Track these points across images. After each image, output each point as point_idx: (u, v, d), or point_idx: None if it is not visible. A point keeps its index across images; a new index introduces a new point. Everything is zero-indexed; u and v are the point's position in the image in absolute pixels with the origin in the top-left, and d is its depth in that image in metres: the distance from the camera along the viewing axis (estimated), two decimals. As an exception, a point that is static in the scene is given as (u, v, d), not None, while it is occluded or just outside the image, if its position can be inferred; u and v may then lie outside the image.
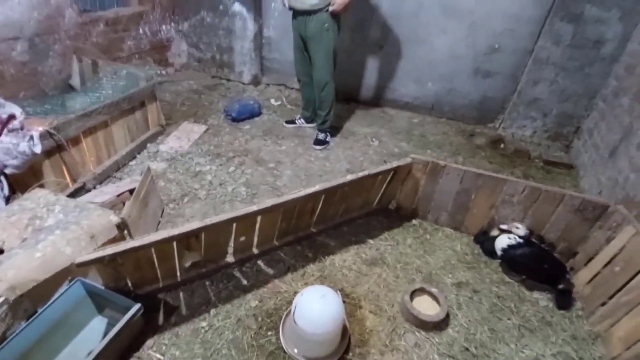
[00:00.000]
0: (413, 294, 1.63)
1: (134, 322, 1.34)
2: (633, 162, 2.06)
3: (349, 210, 2.04)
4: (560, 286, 1.70)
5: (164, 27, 3.81)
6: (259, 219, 1.60)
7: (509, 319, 1.60)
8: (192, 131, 2.88)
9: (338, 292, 1.61)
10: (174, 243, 1.41)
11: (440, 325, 1.54)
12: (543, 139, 3.16)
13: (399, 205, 2.19)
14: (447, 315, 1.57)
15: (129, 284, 1.47)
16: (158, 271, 1.50)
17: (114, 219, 1.54)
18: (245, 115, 3.11)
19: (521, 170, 2.77)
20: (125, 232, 1.60)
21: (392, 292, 1.69)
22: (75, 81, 2.62)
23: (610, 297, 1.57)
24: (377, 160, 2.72)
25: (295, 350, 1.37)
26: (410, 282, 1.73)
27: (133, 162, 2.49)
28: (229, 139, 2.83)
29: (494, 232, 1.90)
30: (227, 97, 3.52)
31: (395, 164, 1.93)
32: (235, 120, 3.06)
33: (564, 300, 1.69)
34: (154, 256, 1.41)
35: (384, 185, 2.03)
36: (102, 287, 1.41)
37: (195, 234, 1.42)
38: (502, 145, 3.10)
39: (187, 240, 1.43)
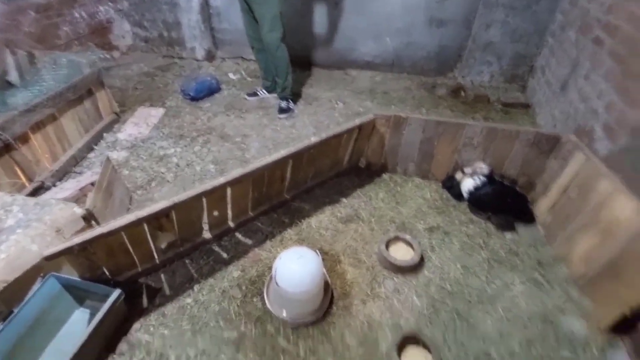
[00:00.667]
0: (388, 243, 1.71)
1: (116, 308, 1.34)
2: (582, 93, 2.17)
3: (319, 172, 2.05)
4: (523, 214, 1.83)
5: (101, 7, 3.51)
6: (228, 191, 1.59)
7: (478, 255, 1.71)
8: (149, 115, 2.75)
9: (317, 251, 1.66)
10: (145, 225, 1.38)
11: (416, 268, 1.62)
12: (500, 82, 3.25)
13: (369, 161, 2.23)
14: (422, 259, 1.66)
15: (106, 272, 1.45)
16: (134, 256, 1.48)
17: (78, 210, 1.48)
18: (204, 92, 2.99)
19: (482, 115, 2.86)
20: (93, 223, 1.55)
21: (368, 245, 1.75)
22: (13, 76, 2.42)
23: (569, 222, 1.70)
24: (343, 122, 2.72)
25: (282, 312, 1.42)
26: (385, 232, 1.80)
27: (92, 155, 2.38)
28: (191, 119, 2.73)
29: (459, 176, 1.99)
30: (183, 77, 3.36)
31: (358, 121, 1.94)
32: (194, 99, 2.94)
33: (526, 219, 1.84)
34: (127, 241, 1.38)
35: (351, 144, 2.05)
36: (78, 279, 1.38)
37: (164, 213, 1.40)
38: (462, 94, 3.17)
39: (157, 221, 1.41)
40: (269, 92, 3.01)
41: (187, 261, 1.66)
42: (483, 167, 1.93)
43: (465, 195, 1.91)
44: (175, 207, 1.39)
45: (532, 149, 1.88)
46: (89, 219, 1.52)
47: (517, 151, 1.91)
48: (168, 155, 2.34)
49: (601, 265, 1.45)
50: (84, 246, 1.26)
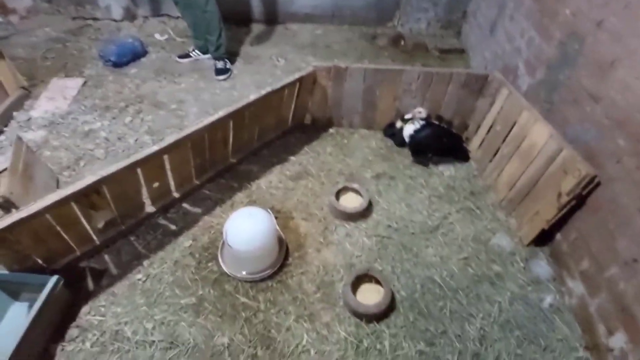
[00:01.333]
0: (338, 194, 1.75)
1: (57, 296, 1.26)
2: (508, 33, 2.28)
3: (264, 132, 2.00)
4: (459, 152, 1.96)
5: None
6: (166, 159, 1.50)
7: (420, 193, 1.82)
8: (66, 87, 2.44)
9: (268, 210, 1.66)
10: (73, 204, 1.27)
11: (365, 213, 1.70)
12: (437, 29, 3.30)
13: (314, 117, 2.20)
14: (370, 204, 1.73)
15: (39, 261, 1.34)
16: (68, 239, 1.37)
17: (-10, 199, 1.32)
18: (128, 57, 2.69)
19: (421, 62, 2.92)
20: (14, 210, 1.39)
21: (319, 198, 1.79)
22: None
23: (496, 154, 1.85)
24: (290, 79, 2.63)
25: (239, 272, 1.43)
26: (334, 185, 1.83)
27: (2, 137, 2.08)
28: (116, 88, 2.47)
29: (399, 124, 2.05)
30: (101, 41, 2.97)
31: (298, 75, 1.89)
32: (117, 65, 2.64)
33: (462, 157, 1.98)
34: (55, 224, 1.27)
35: (294, 100, 2.01)
36: (7, 272, 1.27)
37: (93, 189, 1.29)
38: (402, 43, 3.18)
39: (87, 198, 1.30)
40: (202, 52, 2.78)
41: (132, 238, 1.58)
42: (421, 111, 2.00)
43: (406, 139, 1.99)
44: (104, 181, 1.29)
45: (464, 89, 1.98)
46: (6, 206, 1.37)
47: (452, 93, 2.00)
48: (94, 130, 2.12)
49: (522, 187, 1.62)
50: (2, 236, 1.13)
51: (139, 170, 1.40)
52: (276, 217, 1.65)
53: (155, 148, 1.38)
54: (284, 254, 1.51)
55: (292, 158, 2.01)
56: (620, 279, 1.17)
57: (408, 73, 1.95)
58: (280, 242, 1.53)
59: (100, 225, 1.46)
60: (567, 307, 1.39)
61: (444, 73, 1.94)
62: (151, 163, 1.43)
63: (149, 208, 1.63)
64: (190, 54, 2.78)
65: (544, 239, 1.55)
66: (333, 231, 1.64)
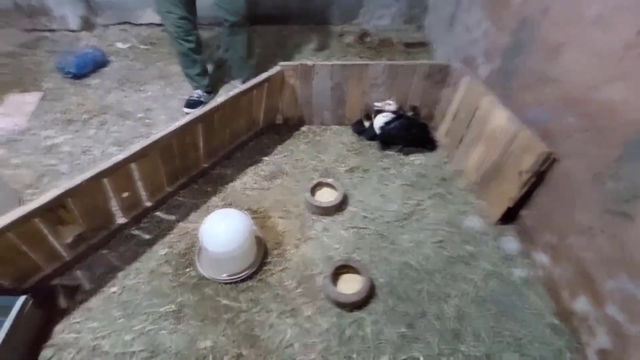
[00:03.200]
0: (313, 190, 1.77)
1: (27, 317, 1.21)
2: (465, 24, 2.36)
3: (236, 134, 1.99)
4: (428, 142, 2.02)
5: None
6: (134, 167, 1.47)
7: (394, 183, 1.87)
8: (24, 103, 2.34)
9: (244, 211, 1.66)
10: (37, 221, 1.22)
11: (341, 207, 1.73)
12: (400, 24, 3.38)
13: (285, 117, 2.21)
14: (345, 197, 1.76)
15: (6, 282, 1.28)
16: (34, 258, 1.32)
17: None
18: (89, 68, 2.60)
19: (387, 57, 2.98)
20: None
21: (295, 196, 1.80)
22: None
23: (461, 140, 1.92)
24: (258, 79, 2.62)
25: (218, 274, 1.42)
26: (309, 181, 1.85)
27: (-45, 160, 1.97)
28: (78, 100, 2.38)
29: (367, 123, 2.10)
30: (58, 53, 2.86)
31: (265, 75, 1.89)
32: (77, 76, 2.55)
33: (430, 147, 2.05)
34: (18, 242, 1.22)
35: (264, 100, 2.01)
36: (-31, 297, 1.20)
37: (59, 203, 1.25)
38: (368, 39, 3.24)
39: (52, 213, 1.26)
40: (209, 92, 2.42)
41: (104, 251, 1.54)
42: (391, 104, 2.05)
43: (377, 131, 2.03)
44: (69, 194, 1.25)
45: (429, 80, 2.04)
46: (-36, 229, 1.30)
47: (417, 85, 2.06)
48: (57, 144, 2.05)
49: (488, 170, 1.69)
50: (-38, 258, 1.08)
51: (105, 181, 1.37)
52: (253, 218, 1.65)
53: (120, 157, 1.35)
54: (262, 252, 1.52)
55: (266, 158, 2.01)
56: (579, 246, 1.25)
57: (373, 67, 2.00)
58: (259, 241, 1.53)
59: (69, 240, 1.41)
60: (536, 279, 1.47)
61: (408, 65, 2.00)
62: (118, 173, 1.39)
63: (120, 219, 1.59)
64: (202, 99, 2.33)
65: (511, 217, 1.63)
66: (311, 227, 1.65)
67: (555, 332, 1.31)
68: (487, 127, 1.69)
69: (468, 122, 1.84)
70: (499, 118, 1.61)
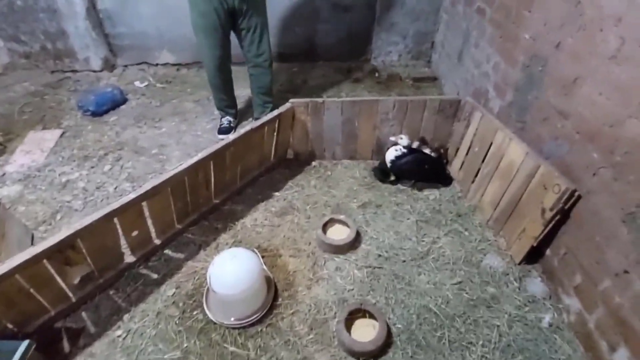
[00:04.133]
0: (325, 227, 1.72)
1: (28, 363, 1.16)
2: (474, 59, 2.40)
3: (247, 170, 1.99)
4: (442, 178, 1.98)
5: (-42, 22, 2.95)
6: (145, 206, 1.46)
7: (408, 219, 1.81)
8: (43, 140, 2.41)
9: (254, 249, 1.62)
10: (46, 262, 1.20)
11: (354, 244, 1.67)
12: (408, 60, 3.46)
13: (296, 152, 2.22)
14: (358, 234, 1.71)
15: (9, 326, 1.24)
16: (42, 300, 1.29)
17: (-45, 263, 1.24)
18: (107, 106, 2.70)
19: (396, 92, 3.03)
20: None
21: (307, 233, 1.75)
22: None
23: (477, 174, 1.88)
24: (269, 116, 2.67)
25: (226, 318, 1.36)
26: (321, 218, 1.81)
27: (-26, 196, 2.01)
28: (95, 137, 2.45)
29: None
30: (79, 92, 2.99)
31: (276, 112, 1.92)
32: (96, 114, 2.64)
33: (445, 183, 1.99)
34: (27, 284, 1.19)
35: (275, 136, 2.02)
36: (-29, 343, 1.16)
37: (68, 244, 1.23)
38: (376, 74, 3.32)
39: (61, 254, 1.24)
40: (235, 118, 2.60)
41: (111, 292, 1.50)
42: (403, 139, 2.02)
43: (388, 164, 2.00)
44: (79, 234, 1.23)
45: (439, 115, 2.04)
46: (-26, 269, 1.29)
47: (428, 119, 2.06)
48: (72, 180, 2.08)
49: (506, 205, 1.63)
50: (-33, 302, 1.05)
51: (116, 220, 1.36)
52: (263, 256, 1.61)
53: (132, 196, 1.34)
54: (272, 294, 1.45)
55: (277, 194, 1.99)
56: (615, 291, 1.16)
57: (384, 103, 2.01)
58: (269, 282, 1.47)
59: (76, 281, 1.38)
60: (566, 325, 1.36)
61: (418, 100, 2.01)
62: (129, 211, 1.38)
63: (129, 258, 1.56)
64: (232, 126, 2.52)
65: (534, 256, 1.54)
66: (322, 266, 1.59)
67: (594, 387, 1.18)
68: (503, 161, 1.65)
69: (483, 157, 1.81)
70: (515, 153, 1.58)
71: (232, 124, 2.51)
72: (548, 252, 1.50)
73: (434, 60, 3.37)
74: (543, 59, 1.58)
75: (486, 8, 2.22)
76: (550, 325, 1.36)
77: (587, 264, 1.28)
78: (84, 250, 1.31)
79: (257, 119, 2.42)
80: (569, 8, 1.42)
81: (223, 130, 2.46)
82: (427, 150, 2.06)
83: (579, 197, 1.32)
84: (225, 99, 2.46)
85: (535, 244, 1.47)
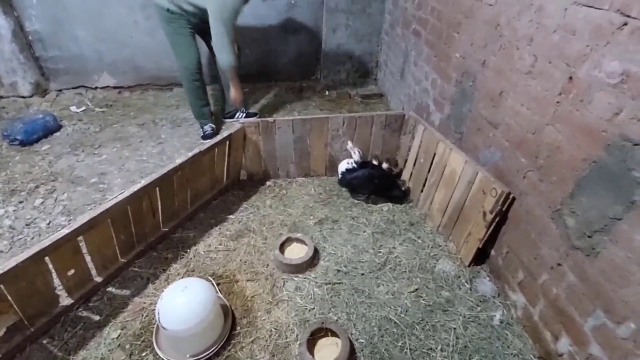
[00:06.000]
0: (283, 246, 1.70)
1: None
2: (415, 77, 2.57)
3: (198, 194, 1.91)
4: (393, 192, 2.04)
5: None
6: (82, 241, 1.33)
7: (364, 232, 1.84)
8: (-41, 175, 2.14)
9: (208, 277, 1.54)
10: (-43, 317, 1.04)
11: (312, 262, 1.65)
12: (356, 78, 3.61)
13: (249, 172, 2.18)
14: (316, 251, 1.70)
15: None
16: (-48, 362, 1.10)
17: None
18: (38, 134, 2.48)
19: (346, 109, 3.13)
20: None
21: (264, 254, 1.71)
22: None
23: (424, 184, 1.97)
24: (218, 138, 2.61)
25: (184, 355, 1.26)
26: (278, 237, 1.78)
27: None
28: (24, 168, 2.22)
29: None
30: (6, 120, 2.72)
31: (226, 133, 1.89)
32: (25, 143, 2.41)
33: (399, 198, 2.05)
34: None
35: (226, 158, 1.98)
36: None
37: (-13, 292, 1.08)
38: (326, 93, 3.42)
39: (-22, 305, 1.08)
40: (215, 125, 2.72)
41: (44, 341, 1.33)
42: (356, 154, 2.07)
43: (339, 176, 2.03)
44: (3, 280, 1.09)
45: (387, 129, 2.13)
46: None
47: (376, 134, 2.14)
48: (-4, 218, 1.85)
49: (452, 212, 1.72)
50: None
51: (47, 260, 1.22)
52: (218, 283, 1.54)
53: (65, 231, 1.22)
54: (230, 323, 1.38)
55: (231, 217, 1.93)
56: (552, 284, 1.26)
57: (333, 120, 2.06)
58: (225, 310, 1.40)
59: (1, 333, 1.21)
60: (515, 320, 1.44)
61: (366, 116, 2.09)
62: (63, 248, 1.25)
63: (65, 300, 1.40)
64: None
65: (482, 257, 1.64)
66: (282, 287, 1.55)
67: (543, 377, 1.26)
68: (446, 170, 1.76)
69: (429, 167, 1.91)
70: (456, 162, 1.69)
71: (214, 130, 2.61)
72: (493, 252, 1.60)
73: (380, 78, 3.55)
74: (472, 75, 1.74)
75: (421, 30, 2.41)
76: (501, 322, 1.43)
77: (527, 260, 1.38)
78: (9, 298, 1.16)
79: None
80: (490, 30, 1.59)
81: (208, 136, 2.54)
82: (384, 165, 2.12)
83: (514, 199, 1.44)
84: (206, 101, 2.57)
85: (480, 246, 1.56)
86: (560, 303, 1.22)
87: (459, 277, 1.60)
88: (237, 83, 2.51)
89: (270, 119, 2.00)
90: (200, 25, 2.27)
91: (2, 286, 1.12)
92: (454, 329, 1.40)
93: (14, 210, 1.91)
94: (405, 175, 2.14)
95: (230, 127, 1.98)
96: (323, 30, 3.36)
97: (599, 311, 1.06)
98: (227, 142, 1.91)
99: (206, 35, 2.34)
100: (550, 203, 1.25)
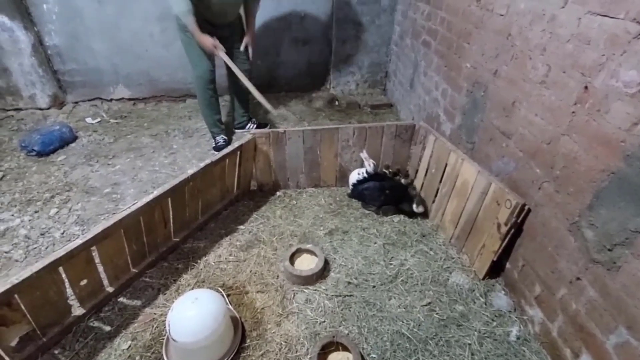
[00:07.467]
0: (292, 258, 1.68)
1: None
2: (424, 87, 2.56)
3: (209, 205, 1.92)
4: (402, 206, 2.01)
5: None
6: (95, 251, 1.35)
7: (375, 243, 1.82)
8: (-21, 185, 2.19)
9: (218, 288, 1.53)
10: (-28, 327, 1.06)
11: (322, 274, 1.64)
12: (365, 89, 3.63)
13: (260, 183, 2.19)
14: (327, 262, 1.68)
15: None
16: (-34, 372, 1.11)
17: None
18: (55, 145, 2.54)
19: (356, 119, 3.14)
20: None
21: (274, 265, 1.70)
22: None
23: (436, 194, 1.95)
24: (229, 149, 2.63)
25: (190, 367, 1.25)
26: (288, 248, 1.77)
27: None
28: (40, 178, 2.28)
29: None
30: (24, 131, 2.80)
31: (237, 144, 1.90)
32: (41, 154, 2.47)
33: (408, 213, 2.01)
34: (-53, 356, 1.03)
35: (237, 168, 1.99)
36: None
37: (4, 302, 1.10)
38: (336, 103, 3.43)
39: (-7, 315, 1.10)
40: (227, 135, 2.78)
41: (56, 351, 1.33)
42: (370, 165, 2.05)
43: (350, 187, 2.02)
44: (17, 290, 1.10)
45: (397, 139, 2.12)
46: None
47: (386, 144, 2.14)
48: (12, 228, 1.89)
49: (465, 223, 1.69)
50: None
51: (61, 270, 1.23)
52: (228, 295, 1.53)
53: (79, 241, 1.23)
54: (240, 336, 1.36)
55: (241, 227, 1.93)
56: (571, 298, 1.21)
57: (343, 130, 2.07)
58: (235, 323, 1.39)
59: (14, 343, 1.22)
60: (532, 336, 1.39)
61: (376, 126, 2.09)
62: (76, 259, 1.27)
63: (77, 310, 1.41)
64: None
65: (496, 269, 1.60)
66: (292, 299, 1.54)
67: (564, 397, 1.20)
68: (458, 181, 1.73)
69: (440, 177, 1.89)
70: (468, 172, 1.66)
71: (226, 141, 2.64)
72: (508, 265, 1.56)
73: (389, 88, 3.56)
74: (484, 85, 1.72)
75: (431, 41, 2.41)
76: (518, 338, 1.38)
77: (544, 274, 1.34)
78: (22, 307, 1.17)
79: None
80: (502, 40, 1.58)
81: (220, 147, 2.54)
82: (400, 178, 2.10)
83: (529, 210, 1.40)
84: (216, 114, 2.60)
85: (495, 259, 1.52)
86: (580, 319, 1.17)
87: (473, 290, 1.56)
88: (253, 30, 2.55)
89: (280, 130, 2.02)
90: (215, 34, 2.29)
91: (16, 296, 1.14)
92: (469, 344, 1.36)
93: (29, 220, 1.95)
94: (417, 185, 2.12)
95: (241, 137, 1.99)
96: (333, 42, 3.40)
97: (621, 328, 1.02)
98: (238, 153, 1.92)
99: (224, 45, 2.35)
100: (567, 215, 1.22)
